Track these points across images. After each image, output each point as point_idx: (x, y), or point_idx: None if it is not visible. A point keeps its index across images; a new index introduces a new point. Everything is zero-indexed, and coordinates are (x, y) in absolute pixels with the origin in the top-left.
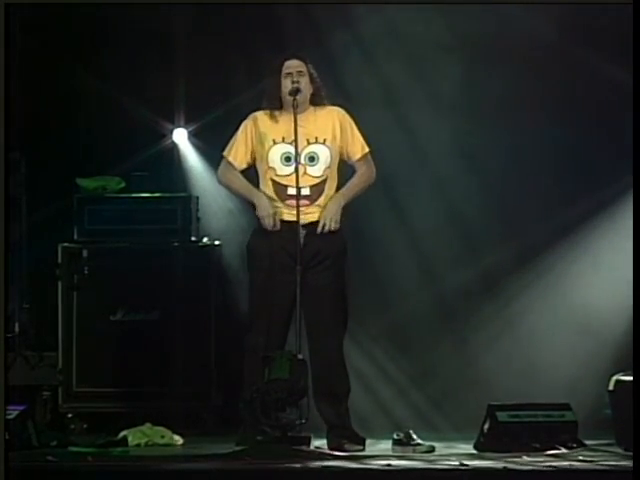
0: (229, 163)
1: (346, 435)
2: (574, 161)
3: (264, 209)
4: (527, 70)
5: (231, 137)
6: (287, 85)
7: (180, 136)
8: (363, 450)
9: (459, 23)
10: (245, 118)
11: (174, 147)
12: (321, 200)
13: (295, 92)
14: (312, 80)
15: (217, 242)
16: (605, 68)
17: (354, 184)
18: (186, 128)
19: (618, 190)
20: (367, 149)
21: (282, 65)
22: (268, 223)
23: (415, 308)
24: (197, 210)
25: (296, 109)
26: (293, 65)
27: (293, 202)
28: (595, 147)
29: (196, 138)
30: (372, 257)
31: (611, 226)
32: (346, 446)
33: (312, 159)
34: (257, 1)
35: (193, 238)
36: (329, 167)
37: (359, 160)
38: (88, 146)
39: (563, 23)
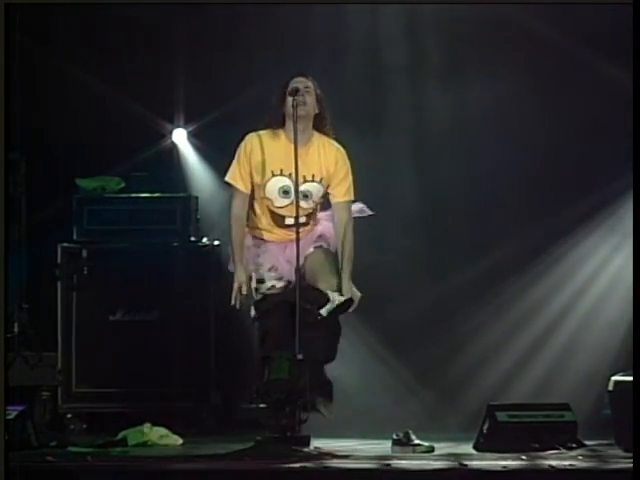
0: (239, 192)
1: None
2: (575, 162)
3: (234, 289)
4: (526, 70)
5: (232, 159)
6: (291, 102)
7: (180, 136)
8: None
9: (456, 21)
10: (242, 137)
11: (174, 147)
12: (312, 222)
13: (295, 92)
14: (318, 100)
15: (216, 242)
16: (605, 68)
17: (348, 256)
18: (186, 128)
19: (618, 190)
20: (351, 197)
21: (289, 81)
22: (234, 298)
23: (416, 308)
24: (196, 210)
25: (296, 109)
26: (300, 81)
27: (288, 231)
28: (595, 147)
29: (195, 138)
30: (373, 256)
31: (611, 226)
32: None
33: (306, 196)
34: (257, 1)
35: (192, 238)
36: (321, 197)
37: (339, 203)
38: (87, 146)
39: (563, 23)
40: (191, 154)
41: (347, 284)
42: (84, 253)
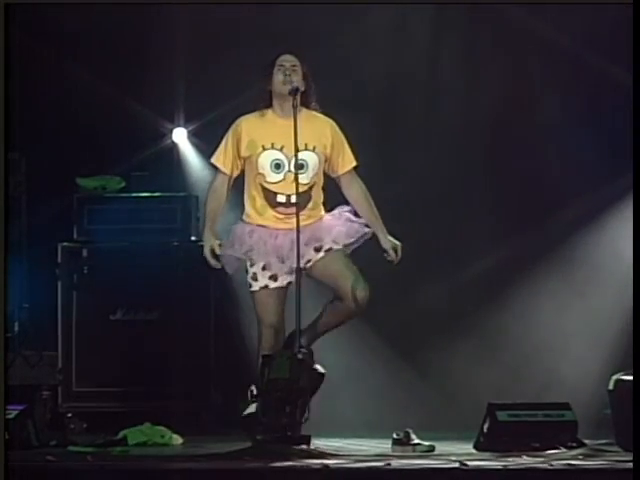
0: (221, 172)
1: None
2: (574, 161)
3: (207, 254)
4: (526, 71)
5: (219, 142)
6: (279, 79)
7: (180, 135)
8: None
9: (456, 22)
10: (232, 122)
11: (174, 147)
12: (309, 206)
13: (295, 91)
14: (305, 78)
15: (217, 242)
16: (605, 68)
17: (375, 219)
18: (186, 127)
19: (618, 191)
20: (355, 162)
21: (276, 59)
22: (209, 260)
23: (416, 307)
24: (197, 210)
25: (295, 109)
26: (287, 59)
27: (281, 209)
28: (594, 147)
29: (196, 137)
30: (372, 257)
31: (610, 227)
32: None
33: (301, 166)
34: (257, 1)
35: (193, 238)
36: (316, 173)
37: (346, 173)
38: (88, 146)
39: (563, 23)
40: (191, 153)
41: (385, 238)
42: (84, 252)
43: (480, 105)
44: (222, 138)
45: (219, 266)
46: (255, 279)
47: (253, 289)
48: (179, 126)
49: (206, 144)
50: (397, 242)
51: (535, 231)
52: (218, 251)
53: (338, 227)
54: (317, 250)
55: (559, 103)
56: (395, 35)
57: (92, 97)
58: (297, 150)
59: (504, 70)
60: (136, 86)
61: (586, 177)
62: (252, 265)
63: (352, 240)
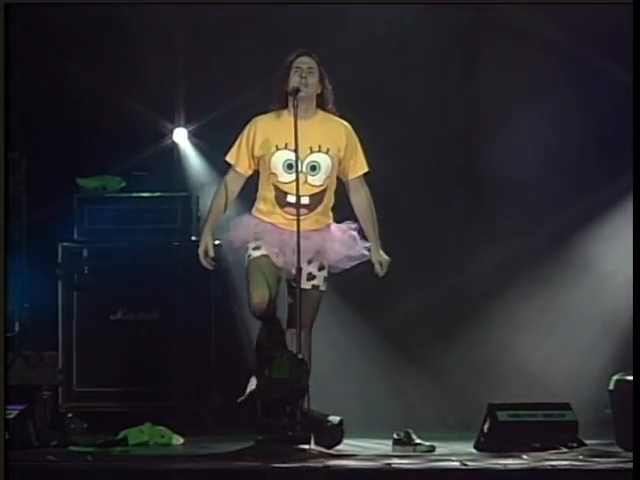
0: (234, 170)
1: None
2: (574, 161)
3: (200, 253)
4: (525, 70)
5: (234, 139)
6: (295, 81)
7: (180, 136)
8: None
9: (457, 21)
10: (248, 120)
11: (174, 147)
12: (319, 209)
13: (295, 92)
14: (321, 80)
15: (217, 242)
16: (605, 68)
17: (374, 229)
18: (186, 128)
19: (617, 191)
20: (366, 169)
21: (293, 61)
22: (201, 260)
23: (417, 306)
24: (197, 210)
25: (296, 108)
26: (304, 62)
27: (290, 209)
28: (594, 147)
29: (196, 138)
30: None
31: (610, 227)
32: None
33: (314, 168)
34: (257, 1)
35: (193, 238)
36: (329, 177)
37: (356, 178)
38: (88, 146)
39: (563, 23)
40: (192, 153)
41: (377, 252)
42: (85, 252)
43: (479, 105)
44: (237, 136)
45: (211, 267)
46: (257, 249)
47: (253, 257)
48: (179, 126)
49: (206, 144)
50: (387, 258)
51: (535, 231)
52: (211, 253)
53: (343, 250)
54: (310, 278)
55: (559, 102)
56: (393, 36)
57: (92, 97)
58: (297, 149)
59: (504, 70)
60: (137, 86)
61: (586, 177)
62: (255, 249)
63: (350, 265)
